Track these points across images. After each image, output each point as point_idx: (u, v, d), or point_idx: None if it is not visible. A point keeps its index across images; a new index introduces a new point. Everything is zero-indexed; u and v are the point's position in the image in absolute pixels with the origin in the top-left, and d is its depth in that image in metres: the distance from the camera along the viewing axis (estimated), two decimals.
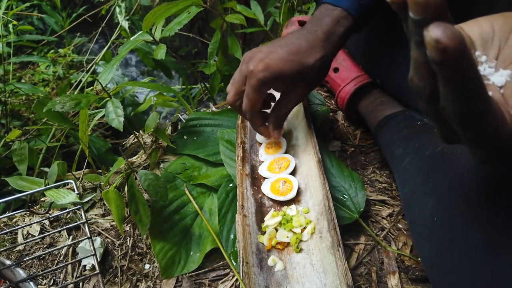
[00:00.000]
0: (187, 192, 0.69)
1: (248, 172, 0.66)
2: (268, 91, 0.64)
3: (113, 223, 0.69)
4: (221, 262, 0.63)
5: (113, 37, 1.22)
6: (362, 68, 0.78)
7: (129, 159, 0.79)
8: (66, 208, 0.68)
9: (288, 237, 0.57)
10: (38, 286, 0.61)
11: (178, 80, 1.86)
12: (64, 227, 0.65)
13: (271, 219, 0.59)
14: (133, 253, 0.65)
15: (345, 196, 0.66)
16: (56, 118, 0.70)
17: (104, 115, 0.72)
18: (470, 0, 0.54)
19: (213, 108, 0.91)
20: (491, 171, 0.45)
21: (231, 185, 0.68)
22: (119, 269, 0.63)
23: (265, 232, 0.58)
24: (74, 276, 0.63)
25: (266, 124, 0.65)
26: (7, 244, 0.67)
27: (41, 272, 0.61)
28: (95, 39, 1.49)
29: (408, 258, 0.61)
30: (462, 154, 0.51)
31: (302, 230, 0.58)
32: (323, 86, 0.89)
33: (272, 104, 0.67)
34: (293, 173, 0.65)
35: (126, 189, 0.63)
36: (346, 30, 0.59)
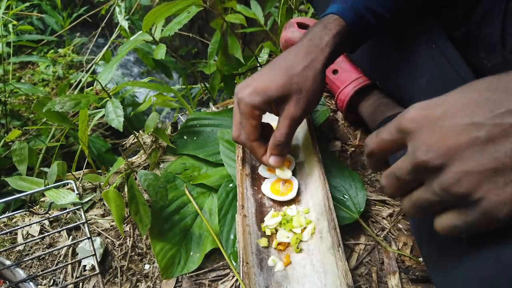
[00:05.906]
0: (187, 192, 0.69)
1: (248, 172, 0.65)
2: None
3: (113, 223, 0.69)
4: (221, 263, 0.63)
5: (112, 37, 1.22)
6: (361, 70, 0.78)
7: (129, 159, 0.79)
8: (66, 208, 0.68)
9: (288, 237, 0.57)
10: (38, 286, 0.61)
11: (178, 80, 1.86)
12: (64, 227, 0.65)
13: (271, 219, 0.59)
14: (133, 253, 0.65)
15: (345, 196, 0.66)
16: (55, 118, 0.70)
17: (103, 115, 0.71)
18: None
19: (213, 108, 0.91)
20: None
21: (231, 185, 0.68)
22: (119, 269, 0.63)
23: (264, 232, 0.58)
24: (74, 276, 0.63)
25: None
26: (7, 244, 0.67)
27: (41, 273, 0.61)
28: (94, 39, 1.50)
29: (408, 258, 0.61)
30: None
31: (302, 231, 0.58)
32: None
33: None
34: (293, 173, 0.65)
35: (126, 189, 0.63)
36: (335, 34, 0.55)
